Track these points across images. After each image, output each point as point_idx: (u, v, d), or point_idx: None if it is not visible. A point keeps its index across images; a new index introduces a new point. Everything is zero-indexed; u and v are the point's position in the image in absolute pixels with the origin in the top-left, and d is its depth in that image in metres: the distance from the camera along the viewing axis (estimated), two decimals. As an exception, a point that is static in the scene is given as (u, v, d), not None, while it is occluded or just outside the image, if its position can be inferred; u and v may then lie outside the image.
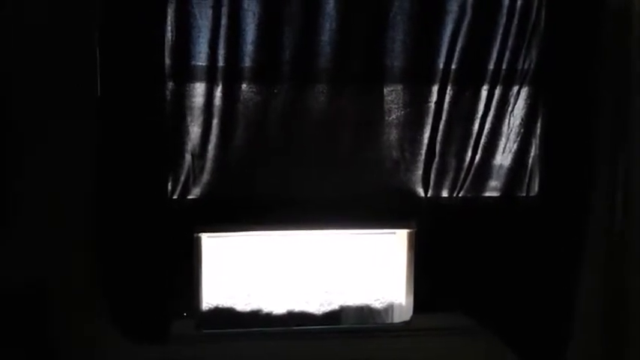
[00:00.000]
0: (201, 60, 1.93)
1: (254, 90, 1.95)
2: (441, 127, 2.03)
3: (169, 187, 1.96)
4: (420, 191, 2.07)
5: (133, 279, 1.94)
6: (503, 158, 2.09)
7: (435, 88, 2.01)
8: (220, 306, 2.12)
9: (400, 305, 2.20)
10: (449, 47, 1.99)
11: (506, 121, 2.06)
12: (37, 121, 1.87)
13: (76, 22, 1.86)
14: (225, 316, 2.12)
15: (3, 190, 1.87)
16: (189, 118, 1.95)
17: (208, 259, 2.09)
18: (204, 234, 2.06)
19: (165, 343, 1.98)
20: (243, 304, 2.13)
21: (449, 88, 2.02)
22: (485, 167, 2.08)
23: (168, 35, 1.89)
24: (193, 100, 1.94)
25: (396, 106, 2.02)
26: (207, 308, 2.11)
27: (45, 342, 1.93)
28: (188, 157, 1.97)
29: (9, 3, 1.82)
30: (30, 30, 1.84)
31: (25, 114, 1.86)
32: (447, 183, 2.08)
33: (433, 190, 2.07)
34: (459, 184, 2.08)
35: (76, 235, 1.92)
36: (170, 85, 1.92)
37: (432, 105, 2.02)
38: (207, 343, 2.07)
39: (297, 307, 2.15)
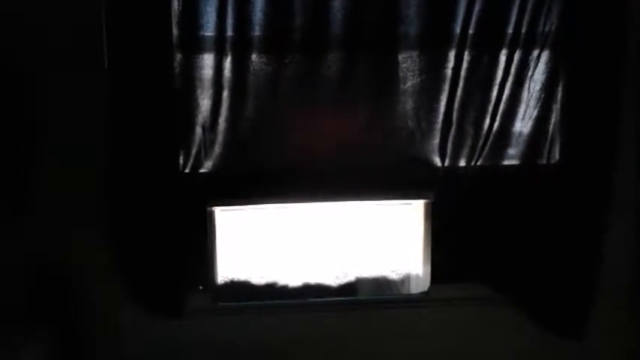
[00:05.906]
0: (209, 30, 1.88)
1: (264, 60, 1.90)
2: (458, 94, 1.98)
3: (181, 161, 1.94)
4: (437, 161, 2.03)
5: (148, 254, 1.93)
6: (522, 125, 2.03)
7: (452, 54, 1.96)
8: (236, 279, 2.12)
9: (417, 276, 2.18)
10: (466, 11, 1.92)
11: (526, 86, 2.00)
12: (44, 98, 1.85)
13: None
14: (240, 289, 2.12)
15: (22, 175, 1.88)
16: (198, 91, 1.91)
17: (222, 233, 2.08)
18: (217, 207, 2.04)
19: (182, 316, 1.98)
20: (258, 277, 2.13)
21: (466, 53, 1.95)
22: (504, 135, 2.03)
23: (175, 5, 1.84)
24: (202, 71, 1.90)
25: (412, 73, 1.97)
26: (222, 282, 2.11)
27: (66, 317, 1.96)
28: (199, 130, 1.94)
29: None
30: (35, 2, 1.81)
31: (33, 92, 1.84)
32: (465, 152, 2.03)
33: (450, 159, 2.03)
34: (477, 153, 2.03)
35: (91, 212, 1.92)
36: (178, 56, 1.88)
37: (449, 71, 1.97)
38: (223, 316, 2.08)
39: (313, 280, 2.14)
